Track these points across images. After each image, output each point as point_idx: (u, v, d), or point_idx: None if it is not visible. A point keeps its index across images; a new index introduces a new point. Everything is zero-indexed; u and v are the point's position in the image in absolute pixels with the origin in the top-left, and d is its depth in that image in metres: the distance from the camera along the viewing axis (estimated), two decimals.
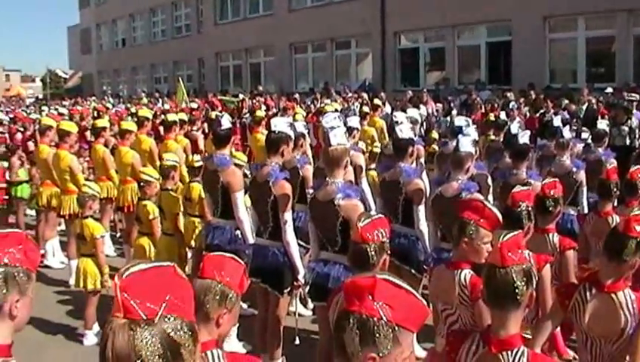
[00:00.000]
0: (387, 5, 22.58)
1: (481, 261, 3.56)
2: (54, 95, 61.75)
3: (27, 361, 2.28)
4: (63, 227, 9.84)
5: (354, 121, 8.14)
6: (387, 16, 22.67)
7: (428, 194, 5.85)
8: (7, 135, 13.06)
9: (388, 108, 15.58)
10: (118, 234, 10.23)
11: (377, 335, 1.80)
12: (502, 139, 8.38)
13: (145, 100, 24.76)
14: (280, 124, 5.43)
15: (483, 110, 14.55)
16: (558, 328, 3.91)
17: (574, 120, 12.02)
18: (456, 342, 2.80)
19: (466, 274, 3.66)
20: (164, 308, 1.54)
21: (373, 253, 3.46)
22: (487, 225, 3.61)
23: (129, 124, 9.44)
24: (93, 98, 32.72)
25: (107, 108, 18.51)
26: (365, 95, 18.10)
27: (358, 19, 23.10)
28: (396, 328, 1.82)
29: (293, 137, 5.57)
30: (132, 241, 8.36)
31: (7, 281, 2.14)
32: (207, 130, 11.87)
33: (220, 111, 12.95)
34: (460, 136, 5.80)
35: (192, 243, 7.09)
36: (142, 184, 7.26)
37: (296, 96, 20.08)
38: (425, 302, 1.94)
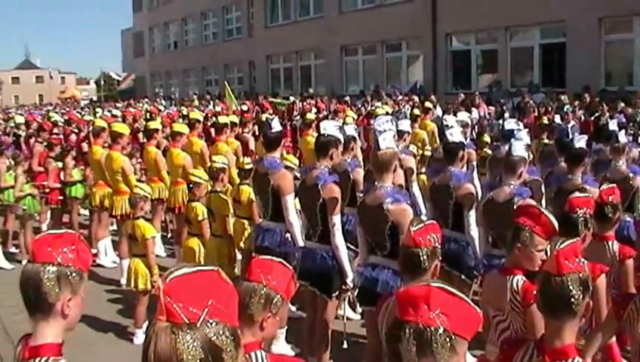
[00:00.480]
0: (438, 7, 22.41)
1: (534, 268, 3.49)
2: (108, 97, 63.21)
3: (78, 358, 2.33)
4: (115, 227, 10.05)
5: (405, 125, 8.09)
6: (438, 18, 22.50)
7: (479, 199, 5.77)
8: (62, 136, 13.36)
9: (439, 111, 15.45)
10: (169, 235, 10.38)
11: (435, 345, 1.79)
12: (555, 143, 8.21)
13: (196, 102, 25.17)
14: (329, 128, 5.43)
15: (536, 113, 14.30)
16: (614, 338, 3.81)
17: (630, 123, 11.71)
18: (511, 351, 2.75)
19: (519, 280, 3.59)
20: (206, 312, 1.54)
21: (425, 257, 3.42)
22: (542, 232, 3.54)
23: (181, 127, 9.57)
24: (146, 100, 33.35)
25: (159, 110, 18.83)
26: (416, 98, 17.99)
27: (408, 21, 22.99)
28: (453, 337, 1.80)
29: (342, 140, 5.57)
30: (182, 242, 8.49)
31: (60, 280, 2.22)
32: (257, 133, 11.95)
33: (271, 114, 13.02)
34: (512, 140, 5.71)
35: (242, 244, 7.14)
36: (191, 185, 7.34)
37: (347, 98, 20.08)
38: (478, 309, 1.91)
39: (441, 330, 1.79)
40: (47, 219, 11.56)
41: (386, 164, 4.68)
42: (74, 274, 2.25)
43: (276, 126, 6.00)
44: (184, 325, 1.52)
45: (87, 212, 11.96)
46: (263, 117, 10.51)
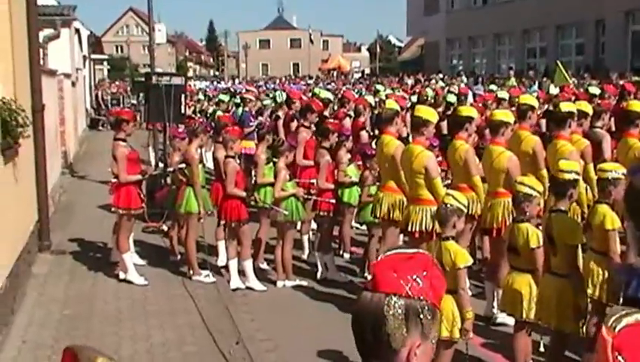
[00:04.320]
0: None
1: None
2: (385, 69, 66.02)
3: None
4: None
5: None
6: None
7: None
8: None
9: None
10: (475, 267, 10.55)
11: None
12: None
13: (512, 81, 25.19)
14: None
15: None
16: None
17: None
18: None
19: None
20: None
21: None
22: None
23: (504, 114, 9.65)
24: (440, 75, 34.10)
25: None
26: None
27: None
28: None
29: None
30: (498, 279, 8.59)
31: (409, 319, 2.26)
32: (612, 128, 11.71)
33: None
34: None
35: (591, 291, 7.06)
36: (519, 199, 7.38)
37: None
38: None
39: None
40: (310, 229, 12.37)
41: None
42: (426, 311, 2.29)
43: None
44: None
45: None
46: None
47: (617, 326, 1.63)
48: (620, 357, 1.58)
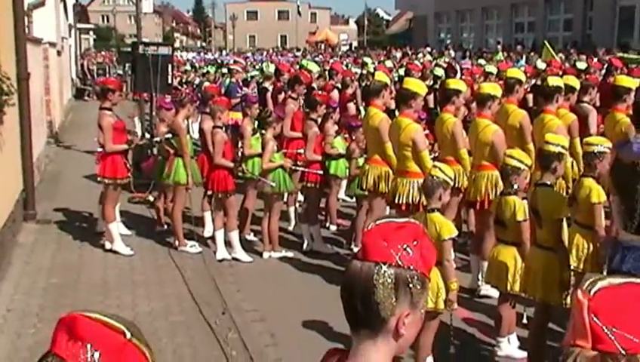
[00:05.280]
0: None
1: None
2: (373, 42, 65.88)
3: None
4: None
5: None
6: None
7: None
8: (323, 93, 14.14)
9: None
10: (460, 240, 10.61)
11: None
12: None
13: (500, 55, 25.19)
14: None
15: None
16: None
17: None
18: None
19: None
20: None
21: None
22: None
23: (492, 87, 9.68)
24: (427, 49, 34.08)
25: (453, 67, 19.20)
26: None
27: None
28: None
29: None
30: (484, 252, 8.65)
31: (398, 288, 2.24)
32: (598, 103, 11.73)
33: (628, 74, 12.68)
34: None
35: (576, 264, 7.11)
36: (507, 172, 7.41)
37: None
38: None
39: None
40: (296, 200, 12.42)
41: None
42: (416, 281, 2.27)
43: None
44: (620, 356, 1.59)
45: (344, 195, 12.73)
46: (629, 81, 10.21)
47: (592, 289, 1.65)
48: (595, 319, 1.59)
